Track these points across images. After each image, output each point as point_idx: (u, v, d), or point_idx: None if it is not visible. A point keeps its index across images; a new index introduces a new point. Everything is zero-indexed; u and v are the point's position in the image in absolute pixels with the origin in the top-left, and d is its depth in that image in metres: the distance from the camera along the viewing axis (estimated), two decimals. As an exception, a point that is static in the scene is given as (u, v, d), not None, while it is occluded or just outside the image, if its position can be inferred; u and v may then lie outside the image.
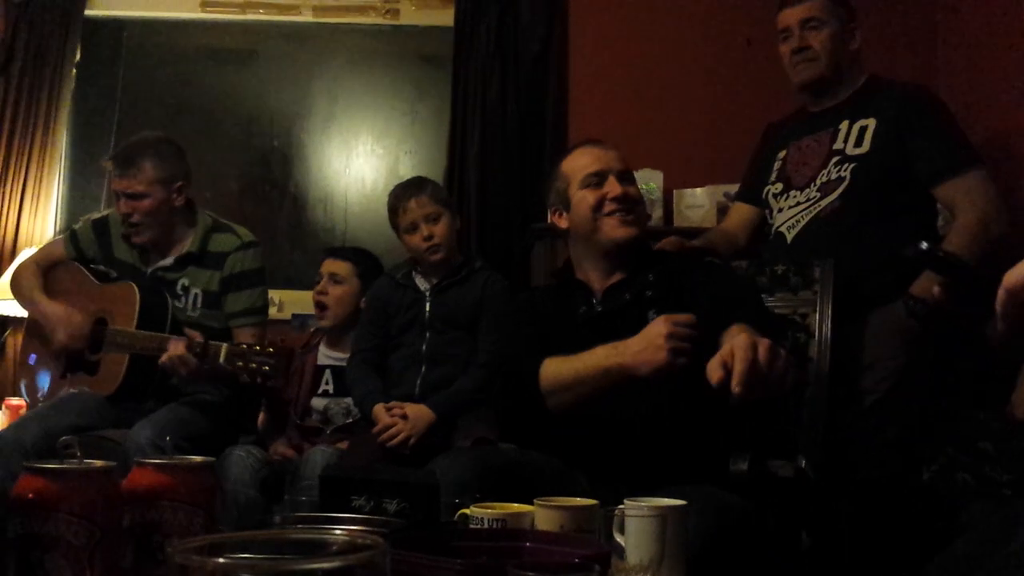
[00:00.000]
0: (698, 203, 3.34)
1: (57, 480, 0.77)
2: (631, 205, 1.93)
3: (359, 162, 3.85)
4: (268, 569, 0.51)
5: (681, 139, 3.51)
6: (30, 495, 0.77)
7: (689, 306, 1.77)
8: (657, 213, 3.29)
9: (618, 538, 1.30)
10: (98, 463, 0.82)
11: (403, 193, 2.66)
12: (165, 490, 0.85)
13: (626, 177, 1.96)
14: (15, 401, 3.13)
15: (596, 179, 1.94)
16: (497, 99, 3.53)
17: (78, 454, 2.24)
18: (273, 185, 3.85)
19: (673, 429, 1.76)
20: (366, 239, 3.51)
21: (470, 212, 3.45)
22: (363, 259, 2.94)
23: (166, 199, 2.62)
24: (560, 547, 1.16)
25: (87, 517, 0.76)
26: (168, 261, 2.67)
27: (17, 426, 2.48)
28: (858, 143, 2.37)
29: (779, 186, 2.53)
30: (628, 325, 1.82)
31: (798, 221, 2.42)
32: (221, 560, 0.50)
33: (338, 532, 0.56)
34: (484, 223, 3.46)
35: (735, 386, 1.45)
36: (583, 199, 1.95)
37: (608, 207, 1.92)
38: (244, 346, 2.33)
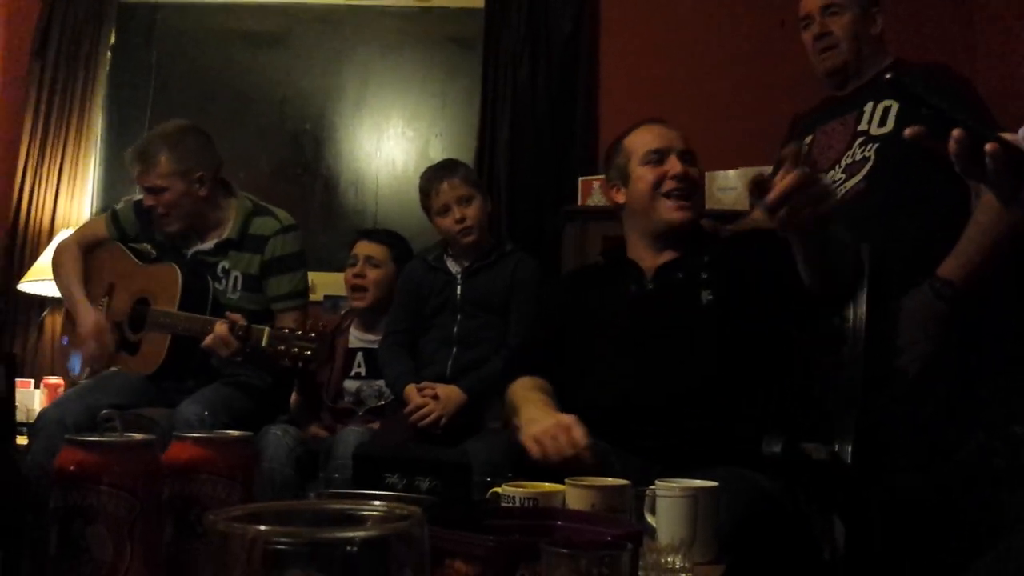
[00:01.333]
0: (730, 185, 3.31)
1: (99, 453, 0.78)
2: (690, 188, 1.92)
3: (390, 145, 3.86)
4: (307, 536, 0.52)
5: (713, 120, 3.47)
6: (72, 467, 0.78)
7: (742, 291, 1.78)
8: (688, 195, 3.27)
9: (649, 519, 1.30)
10: (139, 436, 0.83)
11: (435, 175, 2.66)
12: (204, 464, 0.86)
13: (688, 157, 1.94)
14: (53, 380, 3.20)
15: (657, 156, 1.93)
16: (528, 81, 3.52)
17: (119, 428, 2.28)
18: (305, 168, 3.87)
19: (705, 411, 1.75)
20: (397, 222, 3.52)
21: (500, 194, 3.45)
22: (398, 242, 2.96)
23: (186, 191, 2.61)
24: (592, 526, 1.16)
25: (128, 489, 0.78)
26: (208, 245, 2.69)
27: (58, 404, 2.53)
28: (882, 123, 2.34)
29: None
30: (680, 305, 1.84)
31: None
32: (262, 527, 0.50)
33: (376, 503, 0.57)
34: (514, 205, 3.46)
35: (770, 198, 1.46)
36: (642, 176, 1.94)
37: (667, 186, 1.91)
38: (286, 330, 2.34)
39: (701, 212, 1.97)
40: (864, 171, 2.31)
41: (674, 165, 1.91)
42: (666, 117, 2.08)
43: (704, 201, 1.99)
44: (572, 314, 1.97)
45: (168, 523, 0.84)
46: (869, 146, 2.32)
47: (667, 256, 1.94)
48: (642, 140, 1.97)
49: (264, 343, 2.33)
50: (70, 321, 2.82)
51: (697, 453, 1.61)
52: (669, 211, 1.91)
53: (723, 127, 3.48)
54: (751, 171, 3.22)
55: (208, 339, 2.39)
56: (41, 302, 3.52)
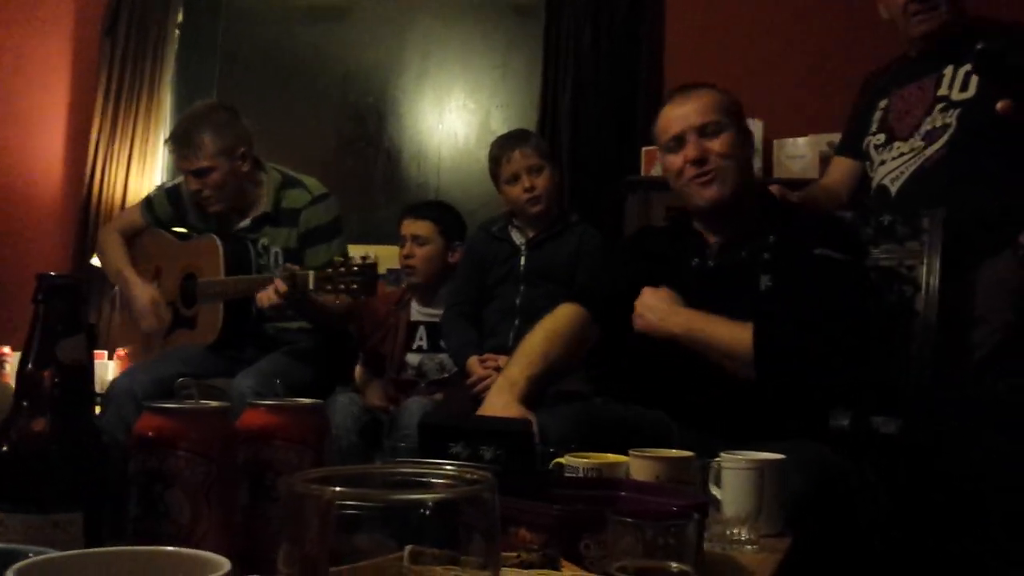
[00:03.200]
0: (799, 153, 3.24)
1: (176, 419, 0.81)
2: (712, 165, 1.83)
3: (451, 117, 3.87)
4: (379, 498, 0.54)
5: (782, 86, 3.39)
6: (150, 433, 0.81)
7: (803, 278, 1.72)
8: (756, 164, 3.21)
9: (714, 491, 1.30)
10: (214, 403, 0.86)
11: (507, 143, 2.68)
12: (278, 430, 0.88)
13: (708, 130, 1.84)
14: (125, 351, 3.30)
15: (675, 143, 1.87)
16: (590, 49, 3.48)
17: (195, 395, 2.35)
18: (368, 142, 3.91)
19: (767, 388, 1.72)
20: (459, 194, 3.53)
21: (563, 165, 3.43)
22: (443, 215, 2.93)
23: (231, 168, 2.62)
24: (656, 497, 1.16)
25: (204, 455, 0.80)
26: (246, 222, 2.71)
27: (128, 373, 2.62)
28: (963, 88, 2.25)
29: (881, 137, 2.42)
30: (738, 287, 1.79)
31: (902, 173, 2.32)
32: (337, 489, 0.52)
33: (446, 468, 0.57)
34: (576, 176, 3.44)
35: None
36: (668, 164, 1.91)
37: (687, 173, 1.85)
38: (329, 269, 2.36)
39: (731, 182, 1.84)
40: (944, 138, 2.24)
41: (689, 149, 1.84)
42: (731, 85, 2.01)
43: (739, 168, 1.85)
44: (637, 278, 1.92)
45: (244, 487, 0.86)
46: (950, 112, 2.25)
47: (730, 231, 1.88)
48: (662, 126, 1.91)
49: (311, 284, 2.35)
50: (123, 303, 2.87)
51: (763, 426, 1.59)
52: (697, 193, 1.85)
53: (791, 94, 3.40)
54: (822, 138, 3.15)
55: (260, 295, 2.42)
56: (115, 276, 3.63)
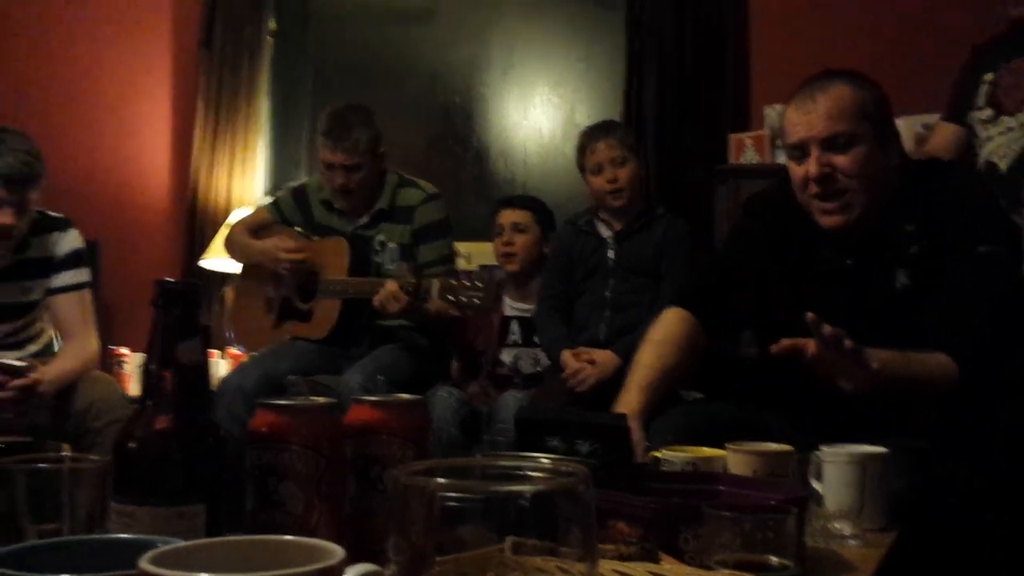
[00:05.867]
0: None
1: (289, 415, 0.85)
2: (837, 187, 1.60)
3: (536, 112, 3.88)
4: (479, 489, 0.56)
5: (873, 68, 3.25)
6: (264, 429, 0.86)
7: (958, 280, 1.54)
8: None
9: (815, 485, 1.28)
10: (322, 400, 0.90)
11: (593, 133, 2.70)
12: (382, 425, 0.92)
13: (834, 143, 1.59)
14: (235, 350, 3.44)
15: (799, 152, 1.64)
16: (674, 36, 3.42)
17: (304, 392, 2.45)
18: (456, 140, 3.96)
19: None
20: (544, 189, 3.54)
21: (648, 156, 3.39)
22: (539, 206, 2.99)
23: (374, 167, 2.77)
24: (754, 491, 1.16)
25: (314, 448, 0.84)
26: (365, 219, 2.83)
27: (238, 371, 2.74)
28: None
29: (988, 112, 2.33)
30: (871, 286, 1.62)
31: (1012, 149, 2.24)
32: (440, 480, 0.54)
33: (542, 461, 0.59)
34: (662, 166, 3.40)
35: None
36: (791, 172, 1.68)
37: (811, 189, 1.62)
38: (454, 281, 2.44)
39: (859, 208, 1.61)
40: None
41: (811, 164, 1.60)
42: (822, 66, 1.88)
43: (865, 189, 1.59)
44: (749, 273, 1.78)
45: (351, 480, 0.90)
46: None
47: (866, 224, 1.63)
48: (786, 128, 1.68)
49: (435, 294, 2.44)
50: (248, 283, 3.00)
51: (866, 423, 1.54)
52: (818, 215, 1.64)
53: (884, 75, 3.26)
54: (916, 119, 3.04)
55: (379, 295, 2.51)
56: (221, 277, 3.78)
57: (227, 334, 3.17)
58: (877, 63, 3.28)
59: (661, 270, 2.61)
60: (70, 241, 2.46)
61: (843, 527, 1.18)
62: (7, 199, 2.23)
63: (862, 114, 1.60)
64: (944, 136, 2.50)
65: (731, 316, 1.81)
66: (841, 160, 1.58)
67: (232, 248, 3.06)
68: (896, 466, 1.29)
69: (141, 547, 0.54)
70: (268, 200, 3.16)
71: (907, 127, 3.10)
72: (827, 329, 1.38)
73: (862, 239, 1.65)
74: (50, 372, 2.27)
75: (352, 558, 0.54)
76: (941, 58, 2.73)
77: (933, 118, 2.68)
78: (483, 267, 3.61)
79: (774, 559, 0.93)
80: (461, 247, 2.99)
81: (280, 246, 2.82)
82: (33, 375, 2.21)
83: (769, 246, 1.76)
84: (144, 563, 0.50)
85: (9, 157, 2.21)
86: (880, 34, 3.33)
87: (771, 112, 3.13)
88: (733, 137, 3.18)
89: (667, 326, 1.79)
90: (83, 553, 0.63)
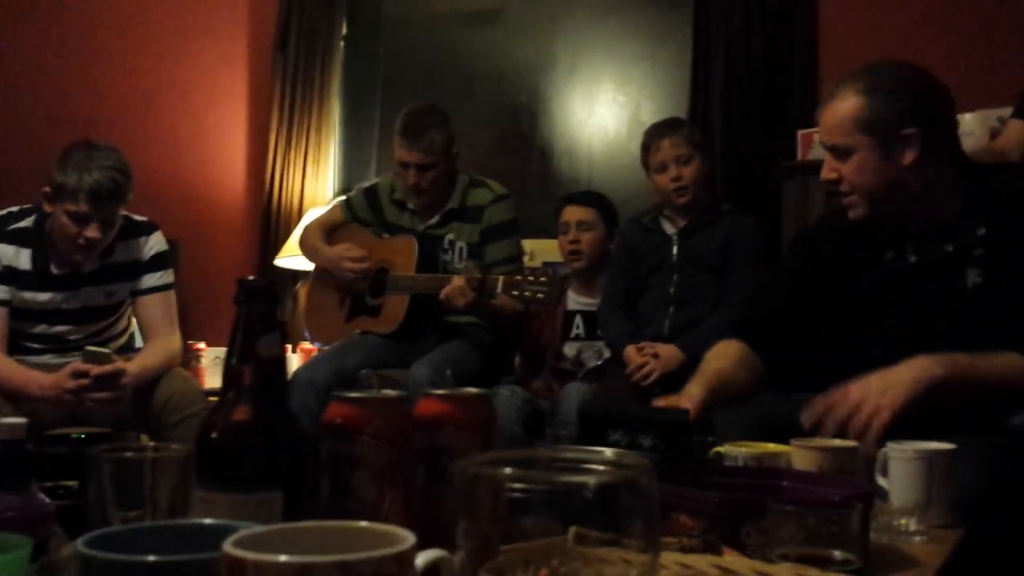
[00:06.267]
0: (966, 130, 3.02)
1: (361, 407, 0.89)
2: (840, 184, 1.68)
3: (601, 111, 3.89)
4: (545, 480, 0.58)
5: (943, 62, 3.19)
6: (339, 421, 0.90)
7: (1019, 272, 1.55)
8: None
9: (881, 481, 1.27)
10: (393, 393, 0.93)
11: (658, 131, 2.70)
12: (450, 418, 0.95)
13: (836, 152, 1.67)
14: (307, 345, 3.53)
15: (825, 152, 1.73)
16: (741, 31, 3.40)
17: (376, 386, 2.52)
18: (522, 139, 3.99)
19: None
20: (609, 188, 3.54)
21: (715, 153, 3.37)
22: (603, 202, 3.01)
23: (446, 167, 2.82)
24: (818, 486, 1.16)
25: (386, 440, 0.88)
26: (435, 219, 2.88)
27: (309, 366, 2.82)
28: None
29: None
30: (941, 286, 1.62)
31: None
32: (508, 471, 0.57)
33: (606, 454, 0.61)
34: (729, 163, 3.38)
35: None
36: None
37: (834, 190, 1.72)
38: (518, 277, 2.48)
39: (877, 204, 1.65)
40: None
41: (824, 167, 1.70)
42: (893, 58, 1.87)
43: (881, 184, 1.62)
44: (821, 271, 1.79)
45: (420, 471, 0.94)
46: None
47: (933, 221, 1.65)
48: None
49: (500, 289, 2.47)
50: (320, 283, 3.08)
51: (936, 420, 1.52)
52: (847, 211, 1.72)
53: (955, 68, 3.18)
54: (991, 113, 2.96)
55: (446, 289, 2.55)
56: (295, 275, 3.88)
57: (304, 332, 3.26)
58: (951, 56, 3.21)
59: (726, 266, 2.60)
60: (155, 244, 2.53)
61: (908, 523, 1.17)
62: (94, 215, 2.28)
63: (859, 127, 1.63)
64: (1014, 133, 2.44)
65: (788, 344, 1.83)
66: (843, 168, 1.67)
67: (305, 248, 3.16)
68: (965, 463, 1.27)
69: (223, 532, 0.56)
70: (340, 200, 3.23)
71: (981, 120, 3.02)
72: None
73: (931, 240, 1.66)
74: (134, 367, 2.35)
75: (421, 545, 0.56)
76: (1015, 50, 2.65)
77: (1007, 111, 2.60)
78: (547, 264, 3.64)
79: (837, 553, 0.93)
80: (526, 244, 3.01)
81: (345, 255, 2.89)
82: (119, 363, 2.31)
83: (826, 264, 1.80)
84: (227, 546, 0.52)
85: (96, 174, 2.25)
86: (954, 27, 3.24)
87: (840, 107, 3.07)
88: (801, 133, 3.14)
89: (726, 349, 1.83)
90: (167, 537, 0.66)
